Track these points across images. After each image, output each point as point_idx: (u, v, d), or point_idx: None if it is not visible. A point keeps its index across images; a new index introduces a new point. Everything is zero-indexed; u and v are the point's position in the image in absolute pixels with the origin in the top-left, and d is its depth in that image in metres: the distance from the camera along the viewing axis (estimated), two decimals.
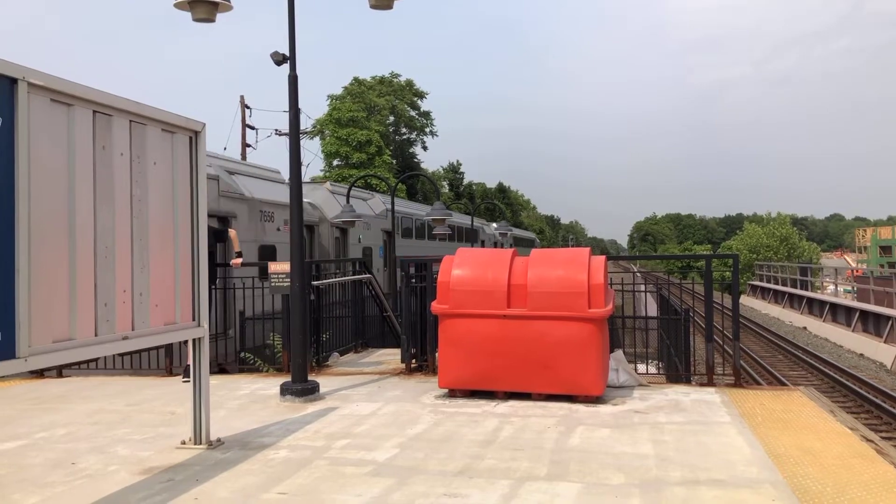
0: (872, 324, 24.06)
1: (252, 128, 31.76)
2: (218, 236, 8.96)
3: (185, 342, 5.27)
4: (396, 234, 21.05)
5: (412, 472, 4.67)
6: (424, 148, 57.00)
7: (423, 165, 57.02)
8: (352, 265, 10.83)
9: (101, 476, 4.75)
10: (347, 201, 14.88)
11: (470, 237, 29.68)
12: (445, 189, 64.67)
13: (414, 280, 8.72)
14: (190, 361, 5.43)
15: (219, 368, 9.45)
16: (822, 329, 27.80)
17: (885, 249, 57.27)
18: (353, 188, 16.26)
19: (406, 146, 55.59)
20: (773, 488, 4.31)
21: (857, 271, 36.83)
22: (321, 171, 46.03)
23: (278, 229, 13.67)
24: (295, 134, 7.39)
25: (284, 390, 7.04)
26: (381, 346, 11.40)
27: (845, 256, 72.89)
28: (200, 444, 5.34)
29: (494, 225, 37.86)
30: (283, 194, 13.77)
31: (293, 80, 7.23)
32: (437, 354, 7.55)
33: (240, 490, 4.43)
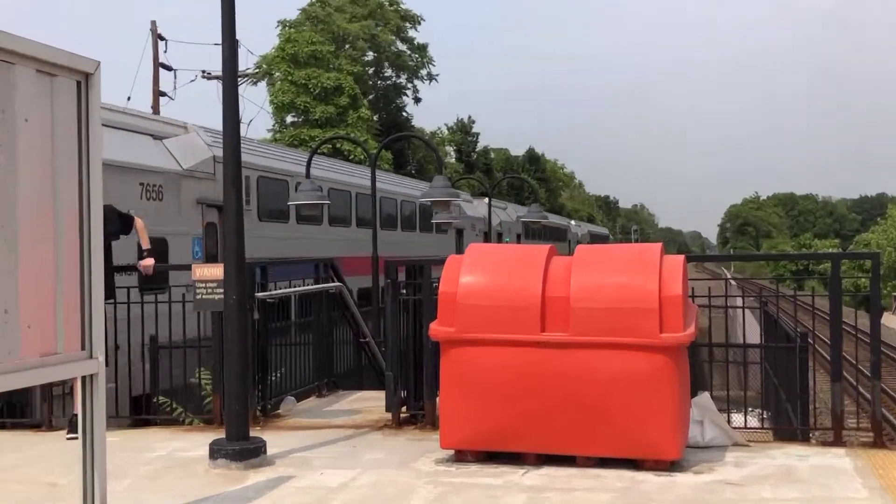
0: None
1: (168, 68, 31.87)
2: (123, 225, 9.04)
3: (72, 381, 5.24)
4: (508, 235, 36.50)
5: None
6: (416, 99, 56.67)
7: (414, 125, 56.89)
8: (314, 269, 10.80)
9: None
10: (308, 175, 14.97)
11: (560, 236, 43.27)
12: (451, 158, 64.74)
13: (405, 291, 8.65)
14: (78, 409, 5.38)
15: (133, 419, 9.54)
16: None
17: None
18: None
19: (391, 95, 55.38)
20: None
21: None
22: (269, 130, 45.98)
23: (476, 235, 30.30)
24: (231, 77, 7.30)
25: (216, 451, 7.04)
26: (357, 386, 11.40)
27: None
28: None
29: (573, 222, 52.40)
30: (479, 211, 32.09)
31: None
32: (437, 399, 7.56)
33: None
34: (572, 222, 55.70)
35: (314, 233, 20.32)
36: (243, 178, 16.59)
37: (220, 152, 16.10)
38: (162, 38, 31.48)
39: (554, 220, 46.12)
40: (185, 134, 16.60)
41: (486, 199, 30.87)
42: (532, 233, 39.52)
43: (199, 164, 16.13)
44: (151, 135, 15.46)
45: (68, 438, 8.04)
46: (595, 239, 60.08)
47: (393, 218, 25.89)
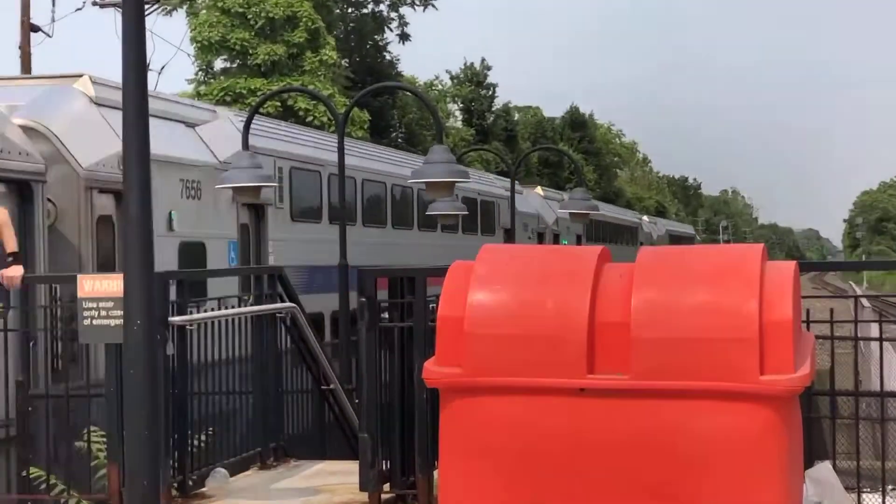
0: None
1: None
2: None
3: None
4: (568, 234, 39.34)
5: None
6: (403, 36, 55.71)
7: (402, 73, 56.43)
8: (253, 284, 10.85)
9: None
10: (245, 146, 15.07)
11: (629, 238, 44.18)
12: (456, 120, 64.45)
13: (387, 315, 8.73)
14: None
15: None
16: None
17: None
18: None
19: (368, 29, 54.53)
20: None
21: None
22: (190, 81, 45.32)
23: (530, 236, 33.03)
24: (136, 4, 7.18)
25: None
26: (318, 454, 11.46)
27: None
28: None
29: (646, 218, 53.29)
30: (532, 204, 35.91)
31: None
32: (435, 473, 7.47)
33: None
34: (644, 218, 55.82)
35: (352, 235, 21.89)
36: (275, 170, 18.41)
37: (254, 141, 17.79)
38: None
39: (612, 212, 46.60)
40: (216, 120, 18.80)
41: (538, 190, 31.21)
42: (594, 233, 41.02)
43: (234, 156, 17.83)
44: (183, 122, 17.31)
45: None
46: (676, 241, 59.96)
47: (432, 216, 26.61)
